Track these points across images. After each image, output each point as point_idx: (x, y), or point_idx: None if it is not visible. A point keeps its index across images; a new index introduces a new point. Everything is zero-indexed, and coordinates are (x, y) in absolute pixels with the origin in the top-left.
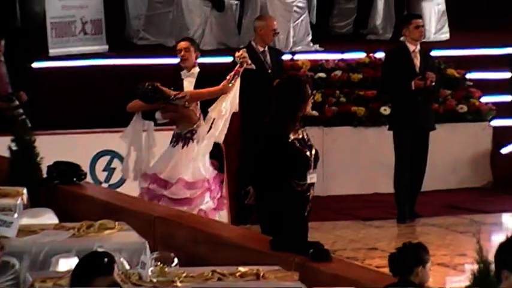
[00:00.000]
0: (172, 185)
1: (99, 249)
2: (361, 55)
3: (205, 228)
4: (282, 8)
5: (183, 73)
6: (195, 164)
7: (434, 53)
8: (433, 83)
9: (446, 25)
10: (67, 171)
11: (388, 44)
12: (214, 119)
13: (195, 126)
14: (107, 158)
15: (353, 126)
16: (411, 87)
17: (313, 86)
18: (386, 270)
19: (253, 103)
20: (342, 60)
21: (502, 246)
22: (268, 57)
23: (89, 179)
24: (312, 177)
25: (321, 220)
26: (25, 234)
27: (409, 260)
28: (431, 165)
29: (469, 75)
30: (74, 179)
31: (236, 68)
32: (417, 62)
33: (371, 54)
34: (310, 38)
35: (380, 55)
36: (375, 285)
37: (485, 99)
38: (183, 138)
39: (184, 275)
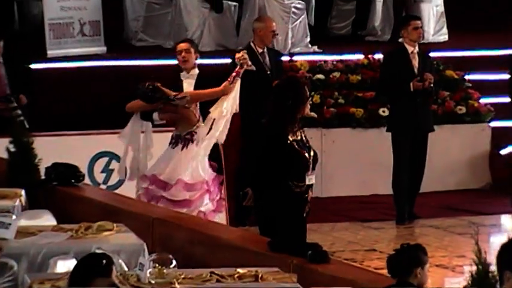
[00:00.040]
0: (172, 187)
1: (98, 251)
2: (359, 56)
3: (204, 229)
4: (281, 9)
5: (183, 74)
6: (195, 165)
7: (432, 54)
8: (432, 85)
9: (445, 26)
10: (65, 172)
11: (386, 46)
12: (214, 119)
13: (194, 127)
14: (105, 159)
15: (352, 127)
16: (410, 88)
17: (311, 87)
18: (385, 271)
19: (252, 104)
20: (341, 61)
21: (504, 247)
22: (267, 58)
23: (87, 180)
24: (310, 179)
25: (319, 221)
26: (23, 236)
27: (408, 262)
28: (430, 166)
29: (467, 77)
30: (72, 180)
31: (236, 69)
32: (416, 63)
33: (369, 56)
34: (308, 39)
35: (379, 56)
36: (374, 287)
37: (484, 100)
38: (183, 139)
39: (182, 276)
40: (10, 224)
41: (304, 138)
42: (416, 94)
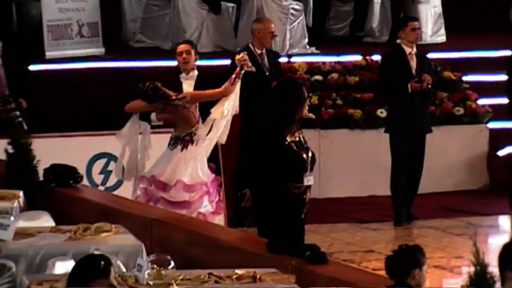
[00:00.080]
0: (171, 188)
1: (96, 252)
2: (357, 58)
3: (202, 230)
4: (279, 10)
5: (182, 76)
6: (194, 165)
7: (430, 55)
8: (430, 86)
9: (443, 27)
10: (64, 174)
11: (384, 47)
12: (214, 120)
13: (193, 129)
14: (104, 160)
15: (350, 128)
16: (408, 89)
17: (309, 88)
18: (383, 272)
19: (251, 105)
20: (339, 62)
21: (506, 248)
22: (266, 59)
23: (85, 181)
24: (308, 180)
25: (317, 223)
26: (22, 237)
27: (406, 263)
28: (428, 167)
29: (465, 78)
30: (71, 181)
31: (237, 71)
32: (413, 64)
33: (367, 57)
34: (306, 40)
35: (376, 58)
36: None
37: (481, 101)
38: (182, 141)
39: (180, 277)
40: (8, 225)
41: (302, 139)
42: (414, 95)
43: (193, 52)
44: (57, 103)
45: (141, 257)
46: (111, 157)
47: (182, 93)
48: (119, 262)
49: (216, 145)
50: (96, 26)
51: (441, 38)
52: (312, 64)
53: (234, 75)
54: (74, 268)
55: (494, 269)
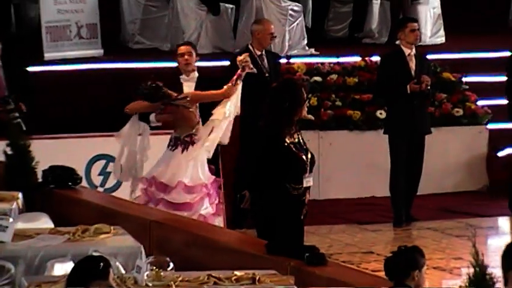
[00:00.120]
0: (172, 189)
1: (95, 254)
2: (356, 59)
3: (201, 232)
4: (278, 11)
5: (183, 77)
6: (195, 166)
7: (430, 56)
8: (429, 87)
9: (442, 28)
10: (62, 175)
11: (383, 48)
12: (216, 121)
13: (194, 130)
14: (103, 162)
15: (349, 130)
16: (407, 90)
17: (308, 89)
18: (382, 274)
19: (251, 106)
20: (338, 63)
21: (509, 248)
22: (265, 61)
23: (84, 183)
24: (308, 181)
25: (316, 224)
26: (20, 239)
27: (405, 264)
28: (427, 168)
29: (464, 79)
30: (70, 183)
31: (238, 72)
32: (413, 65)
33: (366, 58)
34: (305, 41)
35: (376, 59)
36: None
37: (481, 102)
38: (182, 142)
39: (180, 279)
40: (7, 227)
41: (301, 140)
42: (413, 96)
43: (194, 53)
44: (56, 104)
45: (140, 259)
46: (110, 158)
47: (183, 93)
48: (117, 264)
49: (217, 146)
50: (95, 27)
51: (440, 39)
52: (311, 65)
53: (235, 77)
54: (72, 270)
55: (493, 270)
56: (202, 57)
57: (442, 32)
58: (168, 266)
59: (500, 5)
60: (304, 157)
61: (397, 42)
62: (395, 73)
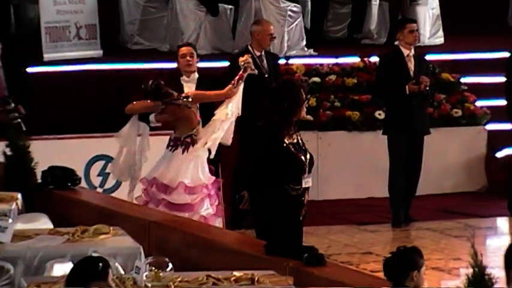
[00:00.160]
0: (173, 190)
1: (94, 254)
2: (355, 59)
3: (200, 232)
4: (277, 12)
5: (183, 79)
6: (195, 166)
7: (428, 57)
8: (428, 88)
9: (441, 29)
10: (62, 176)
11: (382, 49)
12: (217, 121)
13: (194, 130)
14: (102, 162)
15: (348, 130)
16: (405, 91)
17: (307, 90)
18: (381, 274)
19: (250, 107)
20: (337, 64)
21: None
22: (265, 61)
23: (83, 184)
24: (306, 182)
25: (315, 224)
26: (20, 240)
27: (404, 265)
28: (426, 169)
29: (463, 79)
30: (69, 184)
31: (240, 73)
32: (411, 66)
33: (365, 59)
34: (304, 42)
35: (374, 59)
36: None
37: (480, 103)
38: (183, 143)
39: (179, 279)
40: (6, 228)
41: (300, 141)
42: (412, 97)
43: (195, 54)
44: (55, 105)
45: (139, 259)
46: (109, 159)
47: (185, 93)
48: (117, 264)
49: (218, 147)
50: (94, 28)
51: (439, 39)
52: (309, 66)
53: (237, 77)
54: (72, 270)
55: (492, 270)
56: (202, 58)
57: (440, 33)
58: (167, 266)
59: (499, 6)
60: (303, 158)
61: (396, 43)
62: (394, 74)
